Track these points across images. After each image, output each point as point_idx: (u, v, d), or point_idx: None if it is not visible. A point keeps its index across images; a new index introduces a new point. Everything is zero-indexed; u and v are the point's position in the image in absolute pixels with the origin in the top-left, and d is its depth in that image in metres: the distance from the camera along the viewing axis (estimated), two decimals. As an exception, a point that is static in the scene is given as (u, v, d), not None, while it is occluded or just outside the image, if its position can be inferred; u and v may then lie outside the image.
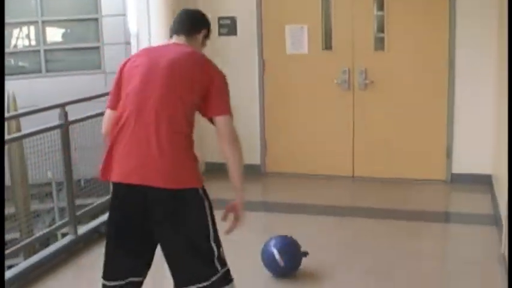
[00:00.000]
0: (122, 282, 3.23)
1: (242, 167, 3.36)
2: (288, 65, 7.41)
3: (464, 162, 6.97)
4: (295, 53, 7.33)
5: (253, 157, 7.61)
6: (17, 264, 4.95)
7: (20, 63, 16.20)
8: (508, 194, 4.41)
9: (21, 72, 15.60)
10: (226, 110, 3.22)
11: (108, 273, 3.27)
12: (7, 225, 7.04)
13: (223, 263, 3.16)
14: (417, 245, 5.36)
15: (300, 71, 7.38)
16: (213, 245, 3.11)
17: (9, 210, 7.20)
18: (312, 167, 7.47)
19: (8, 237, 6.15)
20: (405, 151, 7.17)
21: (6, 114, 10.56)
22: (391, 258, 5.09)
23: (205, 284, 3.08)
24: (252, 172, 7.54)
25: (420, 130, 7.11)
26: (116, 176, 3.11)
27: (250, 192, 7.17)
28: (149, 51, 3.41)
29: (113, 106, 3.26)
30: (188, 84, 3.11)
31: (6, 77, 14.60)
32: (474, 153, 6.88)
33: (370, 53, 7.14)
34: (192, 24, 3.42)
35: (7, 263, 6.62)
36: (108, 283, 3.27)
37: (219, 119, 3.19)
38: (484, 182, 6.70)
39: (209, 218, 3.14)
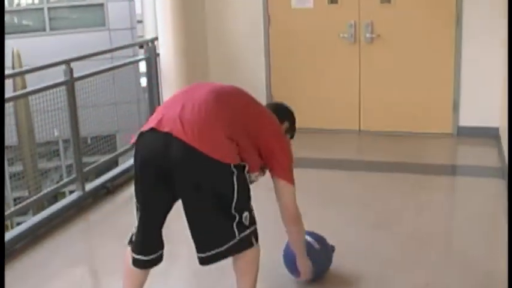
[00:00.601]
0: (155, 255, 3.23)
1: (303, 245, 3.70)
2: (293, 19, 7.34)
3: (471, 115, 6.95)
4: (301, 7, 7.26)
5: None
6: (23, 222, 4.97)
7: (24, 22, 16.12)
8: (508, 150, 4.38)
9: (25, 30, 15.54)
10: (291, 177, 3.39)
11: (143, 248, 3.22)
12: (15, 182, 7.10)
13: (244, 228, 3.08)
14: (424, 198, 5.36)
15: (306, 25, 7.31)
16: (234, 212, 3.03)
17: (17, 168, 7.23)
18: (319, 121, 7.45)
19: (16, 195, 6.21)
20: (412, 105, 7.14)
21: (12, 71, 10.55)
22: (397, 211, 5.10)
23: (220, 249, 3.04)
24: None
25: (427, 83, 7.06)
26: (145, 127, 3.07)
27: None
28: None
29: None
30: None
31: (10, 35, 14.58)
32: (481, 106, 6.85)
33: (376, 6, 7.06)
34: (274, 110, 3.49)
35: (17, 220, 6.71)
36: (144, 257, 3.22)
37: (282, 183, 3.38)
38: (491, 135, 6.68)
39: (235, 188, 3.01)
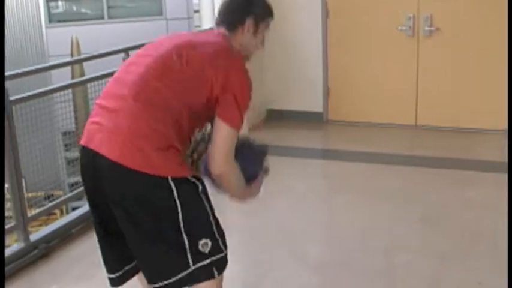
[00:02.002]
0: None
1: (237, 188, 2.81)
2: (352, 11, 7.26)
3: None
4: (359, -1, 7.20)
5: (315, 104, 7.56)
6: (80, 207, 5.04)
7: (83, 10, 16.35)
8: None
9: (84, 18, 15.75)
10: (237, 121, 2.62)
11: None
12: (72, 168, 7.20)
13: (202, 257, 2.58)
14: (475, 195, 5.27)
15: (364, 17, 7.23)
16: (183, 236, 2.53)
17: (73, 154, 7.33)
18: (374, 115, 7.38)
19: (73, 180, 6.29)
20: (469, 100, 7.00)
21: (71, 59, 10.71)
22: (448, 207, 5.04)
23: (169, 280, 2.59)
24: (314, 119, 7.52)
25: (485, 79, 6.92)
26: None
27: (311, 139, 7.19)
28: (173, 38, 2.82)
29: None
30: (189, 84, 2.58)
31: (69, 23, 14.83)
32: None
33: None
34: (233, 13, 2.83)
35: (72, 205, 6.81)
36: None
37: (222, 125, 2.60)
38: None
39: (178, 207, 2.51)
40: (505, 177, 5.85)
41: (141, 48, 2.80)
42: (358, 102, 7.47)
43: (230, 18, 2.81)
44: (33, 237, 4.35)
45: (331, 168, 6.28)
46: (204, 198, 2.61)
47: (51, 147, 7.87)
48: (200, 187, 2.61)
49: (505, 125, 6.85)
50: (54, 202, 4.98)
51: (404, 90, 7.25)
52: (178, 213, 2.51)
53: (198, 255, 2.57)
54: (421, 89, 7.18)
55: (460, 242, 4.39)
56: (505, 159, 6.46)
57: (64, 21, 15.68)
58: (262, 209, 5.04)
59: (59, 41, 14.29)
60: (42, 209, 4.84)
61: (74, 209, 5.62)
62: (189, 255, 2.55)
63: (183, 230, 2.52)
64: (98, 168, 2.52)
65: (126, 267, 2.82)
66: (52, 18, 15.81)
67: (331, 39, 7.41)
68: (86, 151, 2.57)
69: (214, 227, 2.63)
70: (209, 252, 2.59)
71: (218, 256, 2.63)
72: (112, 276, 2.83)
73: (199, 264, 2.57)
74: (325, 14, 7.33)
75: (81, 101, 7.04)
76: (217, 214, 2.68)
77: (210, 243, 2.59)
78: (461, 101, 7.05)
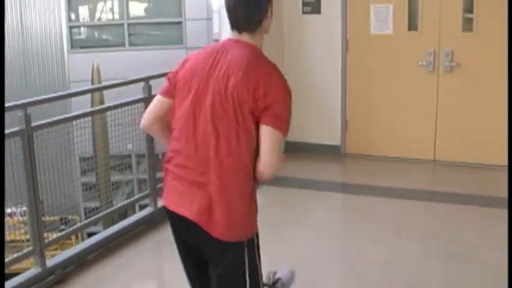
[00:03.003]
0: None
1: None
2: (372, 45, 7.28)
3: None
4: (380, 33, 7.20)
5: (333, 137, 7.57)
6: (96, 233, 5.06)
7: (104, 36, 16.51)
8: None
9: (105, 45, 15.90)
10: (283, 124, 2.65)
11: None
12: (90, 194, 7.23)
13: None
14: (500, 232, 5.20)
15: (384, 51, 7.25)
16: None
17: (91, 179, 7.37)
18: (393, 149, 7.36)
19: (89, 205, 6.32)
20: (489, 136, 6.97)
21: (92, 86, 10.80)
22: (471, 244, 4.99)
23: None
24: (332, 153, 7.52)
25: (506, 115, 6.88)
26: None
27: (330, 172, 7.18)
28: (204, 64, 2.77)
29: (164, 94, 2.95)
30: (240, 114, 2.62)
31: (90, 49, 14.97)
32: None
33: (457, 35, 6.94)
34: (250, 14, 2.75)
35: (88, 230, 6.82)
36: None
37: (268, 131, 2.63)
38: None
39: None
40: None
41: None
42: (376, 136, 7.46)
43: (251, 21, 2.75)
44: (50, 262, 4.37)
45: (350, 201, 6.26)
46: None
47: (69, 173, 7.91)
48: None
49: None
50: (72, 228, 5.03)
51: (423, 125, 7.24)
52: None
53: None
54: (440, 124, 7.16)
55: (487, 281, 4.35)
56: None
57: (86, 47, 15.83)
58: (283, 240, 5.04)
59: (81, 66, 14.42)
60: (59, 234, 4.86)
61: (89, 234, 5.63)
62: None
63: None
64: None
65: None
66: (74, 44, 15.98)
67: (350, 72, 7.43)
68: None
69: None
70: None
71: None
72: None
73: None
74: (345, 47, 7.36)
75: (99, 128, 7.09)
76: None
77: None
78: (482, 136, 7.02)
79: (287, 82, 2.69)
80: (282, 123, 2.63)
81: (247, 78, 2.61)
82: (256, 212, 2.77)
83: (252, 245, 2.78)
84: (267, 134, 2.62)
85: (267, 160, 2.65)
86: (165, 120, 2.92)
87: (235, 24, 2.76)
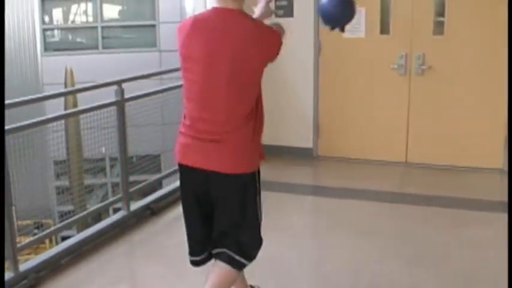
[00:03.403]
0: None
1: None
2: (344, 48, 7.34)
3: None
4: (352, 36, 7.24)
5: (305, 140, 7.61)
6: (70, 237, 5.05)
7: (78, 39, 16.44)
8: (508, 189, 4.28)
9: (79, 47, 15.84)
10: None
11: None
12: (63, 198, 7.20)
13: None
14: (468, 235, 5.27)
15: (356, 54, 7.31)
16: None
17: (65, 182, 7.35)
18: (365, 152, 7.42)
19: (62, 209, 6.30)
20: (461, 138, 7.06)
21: (65, 90, 10.76)
22: (439, 247, 5.03)
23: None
24: (305, 155, 7.56)
25: (478, 117, 6.98)
26: None
27: (302, 175, 7.21)
28: (201, 31, 3.16)
29: None
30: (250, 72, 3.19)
31: (64, 52, 14.87)
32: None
33: (428, 38, 7.02)
34: None
35: (62, 234, 6.79)
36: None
37: None
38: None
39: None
40: (500, 216, 5.89)
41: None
42: (349, 139, 7.52)
43: None
44: (23, 267, 4.35)
45: (322, 204, 6.29)
46: None
47: (43, 176, 7.88)
48: None
49: (499, 164, 6.92)
50: (45, 232, 4.99)
51: (395, 128, 7.31)
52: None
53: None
54: (412, 127, 7.24)
55: (453, 284, 4.38)
56: (502, 198, 6.51)
57: (59, 50, 15.75)
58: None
59: (54, 69, 14.35)
60: (32, 238, 4.84)
61: (63, 238, 5.61)
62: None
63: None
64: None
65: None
66: (48, 47, 15.89)
67: (322, 75, 7.48)
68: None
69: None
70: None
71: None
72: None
73: None
74: (317, 50, 7.41)
75: (73, 131, 7.07)
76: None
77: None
78: (453, 139, 7.10)
79: (275, 30, 3.29)
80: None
81: (251, 46, 3.10)
82: (260, 147, 3.30)
83: (257, 177, 3.33)
84: None
85: None
86: None
87: None
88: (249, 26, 3.14)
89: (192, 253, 3.44)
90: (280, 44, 3.29)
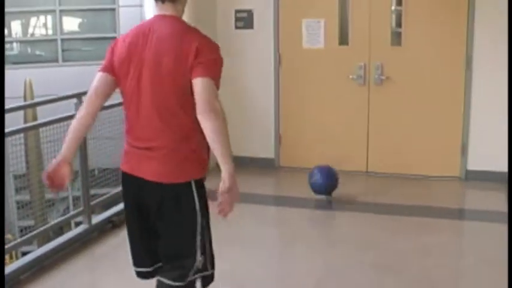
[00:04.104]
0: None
1: (228, 141, 2.91)
2: (304, 59, 7.40)
3: (480, 159, 6.95)
4: (312, 47, 7.32)
5: (267, 151, 7.64)
6: (30, 252, 4.99)
7: (37, 52, 16.27)
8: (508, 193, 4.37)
9: (38, 60, 15.67)
10: (211, 73, 2.90)
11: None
12: (23, 212, 7.11)
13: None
14: (429, 242, 5.34)
15: (316, 65, 7.37)
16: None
17: (24, 197, 7.25)
18: (326, 161, 7.41)
19: (23, 223, 6.22)
20: (420, 147, 7.16)
21: (24, 103, 10.64)
22: (401, 254, 5.09)
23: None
24: (266, 166, 7.58)
25: (435, 126, 7.08)
26: None
27: (264, 185, 7.22)
28: (135, 45, 3.02)
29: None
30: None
31: (23, 65, 14.69)
32: (490, 150, 6.85)
33: (386, 48, 7.12)
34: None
35: (22, 249, 6.70)
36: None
37: (198, 80, 2.88)
38: (499, 179, 6.67)
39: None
40: (461, 223, 5.98)
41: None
42: (310, 149, 7.56)
43: None
44: (-19, 283, 4.29)
45: (283, 214, 6.32)
46: None
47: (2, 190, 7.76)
48: None
49: (457, 172, 7.02)
50: (5, 246, 4.92)
51: (355, 137, 7.38)
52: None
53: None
54: (372, 136, 7.32)
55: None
56: (461, 205, 6.61)
57: (18, 63, 15.58)
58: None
59: (13, 82, 14.16)
60: (-9, 254, 4.77)
61: (23, 254, 5.55)
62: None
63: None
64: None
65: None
66: (6, 60, 15.69)
67: (283, 86, 7.53)
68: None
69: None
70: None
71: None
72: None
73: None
74: (278, 61, 7.45)
75: (33, 144, 7.00)
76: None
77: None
78: (412, 148, 7.20)
79: (217, 47, 3.00)
80: (211, 71, 2.90)
81: (179, 57, 2.90)
82: (204, 161, 3.12)
83: (199, 187, 3.11)
84: (198, 83, 2.88)
85: (203, 100, 2.86)
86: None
87: None
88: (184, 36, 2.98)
89: (135, 264, 3.29)
90: (220, 65, 2.98)
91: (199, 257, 3.10)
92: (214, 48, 2.98)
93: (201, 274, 3.14)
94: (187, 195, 3.06)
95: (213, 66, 2.92)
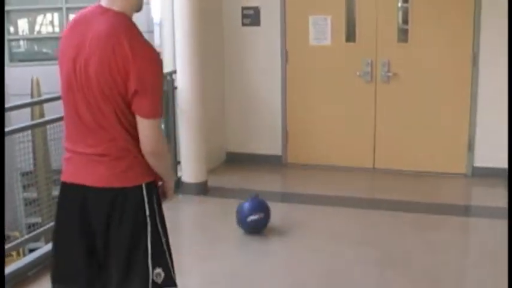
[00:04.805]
0: None
1: (168, 165, 2.97)
2: (311, 56, 7.39)
3: (486, 156, 6.93)
4: (318, 44, 7.31)
5: (274, 148, 7.64)
6: (37, 248, 5.00)
7: (44, 50, 16.31)
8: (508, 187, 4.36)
9: (45, 58, 15.71)
10: (155, 109, 2.66)
11: None
12: (30, 209, 7.13)
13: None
14: (435, 238, 5.34)
15: (323, 62, 7.36)
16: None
17: (32, 195, 7.27)
18: (333, 158, 7.47)
19: (30, 220, 6.23)
20: (426, 144, 7.15)
21: (31, 100, 10.66)
22: (407, 251, 5.09)
23: None
24: (273, 163, 7.58)
25: (442, 123, 7.07)
26: None
27: (271, 182, 7.23)
28: (70, 40, 2.75)
29: None
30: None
31: (30, 63, 14.76)
32: (496, 147, 6.81)
33: (393, 45, 7.11)
34: None
35: (29, 246, 6.73)
36: None
37: (143, 121, 2.65)
38: (506, 176, 6.63)
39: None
40: (467, 220, 5.97)
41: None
42: (316, 146, 7.56)
43: None
44: (-11, 279, 4.30)
45: (290, 211, 6.32)
46: None
47: (10, 188, 7.79)
48: None
49: (463, 169, 7.01)
50: (12, 243, 4.95)
51: (362, 134, 7.37)
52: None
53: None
54: (379, 133, 7.31)
55: (421, 286, 4.43)
56: (467, 202, 6.59)
57: (25, 60, 15.61)
58: (220, 252, 5.05)
59: (20, 80, 14.22)
60: (-1, 251, 4.79)
61: (31, 250, 5.56)
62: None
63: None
64: None
65: None
66: (13, 58, 15.75)
67: (290, 83, 7.52)
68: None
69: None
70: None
71: None
72: None
73: None
74: (285, 58, 7.45)
75: (40, 141, 7.01)
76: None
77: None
78: (419, 145, 7.19)
79: (156, 55, 2.72)
80: (155, 106, 2.64)
81: (108, 61, 2.58)
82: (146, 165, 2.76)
83: (150, 192, 2.77)
84: (142, 123, 2.65)
85: (147, 143, 2.68)
86: None
87: None
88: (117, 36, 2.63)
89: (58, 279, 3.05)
90: (161, 78, 2.73)
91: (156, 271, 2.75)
92: (150, 53, 2.69)
93: None
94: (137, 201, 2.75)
95: (156, 95, 2.64)
